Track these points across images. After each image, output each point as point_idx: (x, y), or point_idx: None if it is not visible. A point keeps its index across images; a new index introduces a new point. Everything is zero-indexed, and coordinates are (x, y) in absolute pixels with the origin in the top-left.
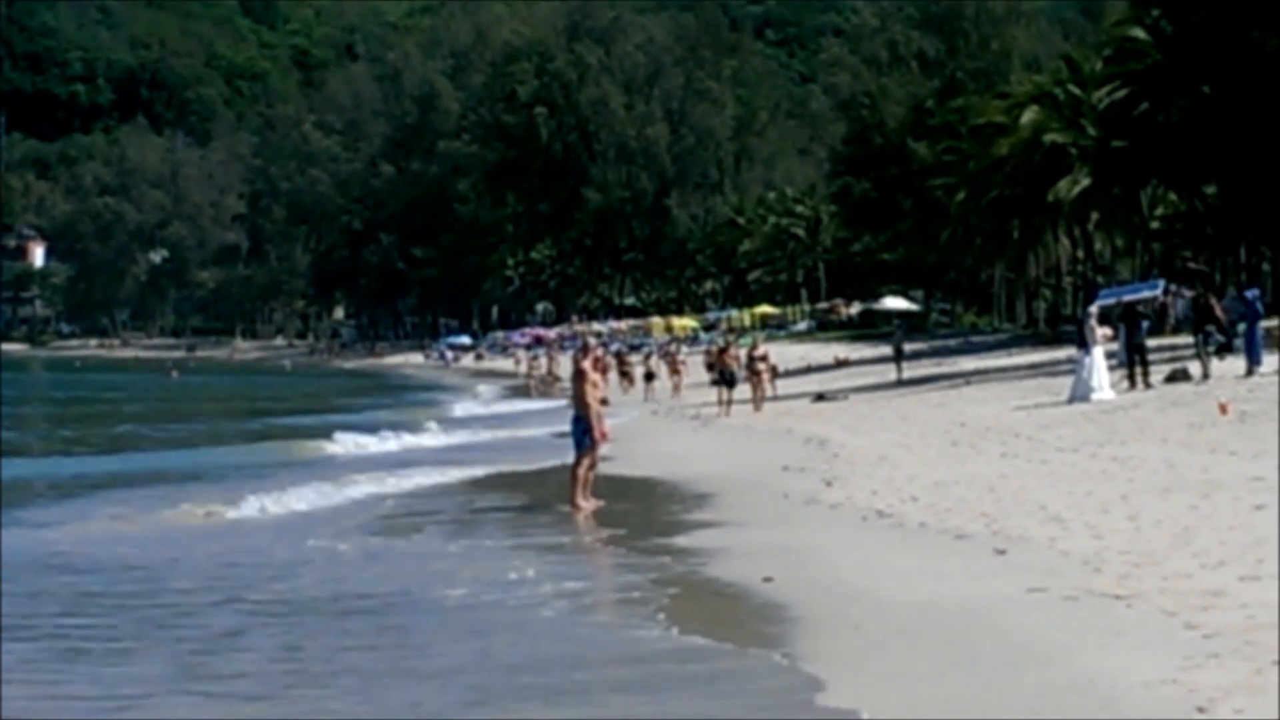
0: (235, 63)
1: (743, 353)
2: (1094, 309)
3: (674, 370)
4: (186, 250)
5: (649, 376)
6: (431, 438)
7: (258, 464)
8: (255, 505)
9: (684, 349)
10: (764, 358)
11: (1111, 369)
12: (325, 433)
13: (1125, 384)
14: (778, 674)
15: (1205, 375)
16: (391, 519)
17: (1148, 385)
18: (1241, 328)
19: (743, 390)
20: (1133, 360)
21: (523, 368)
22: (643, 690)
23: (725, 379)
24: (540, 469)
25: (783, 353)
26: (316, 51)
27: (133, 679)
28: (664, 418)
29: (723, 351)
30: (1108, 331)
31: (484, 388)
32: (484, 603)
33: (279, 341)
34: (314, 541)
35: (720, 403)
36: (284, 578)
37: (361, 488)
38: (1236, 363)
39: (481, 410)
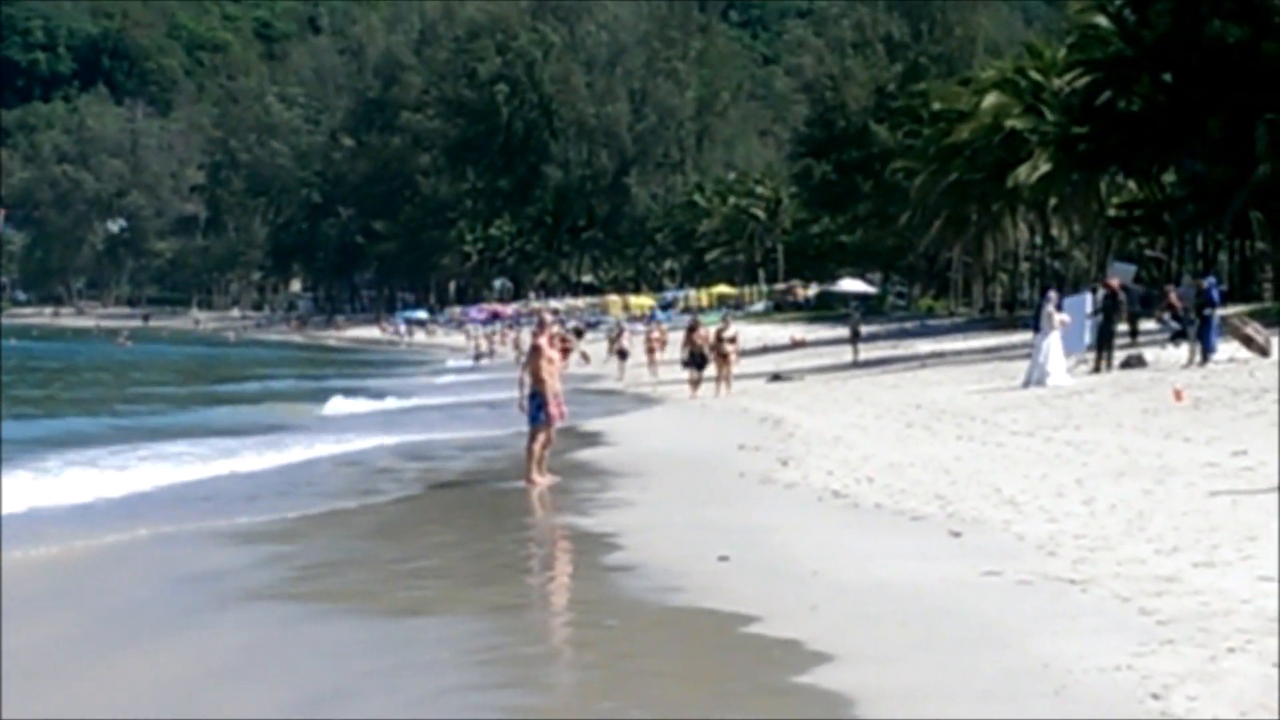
0: (197, 33)
1: (710, 332)
2: (1053, 293)
3: (650, 350)
4: (144, 220)
5: (622, 354)
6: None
7: None
8: None
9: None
10: (733, 339)
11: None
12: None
13: (1088, 367)
14: (743, 651)
15: (1204, 360)
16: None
17: (1109, 367)
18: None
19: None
20: (1102, 345)
21: (481, 343)
22: (607, 652)
23: (695, 359)
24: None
25: (740, 333)
26: (279, 24)
27: None
28: (627, 397)
29: (692, 331)
30: (1065, 318)
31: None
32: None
33: (234, 313)
34: None
35: (690, 383)
36: None
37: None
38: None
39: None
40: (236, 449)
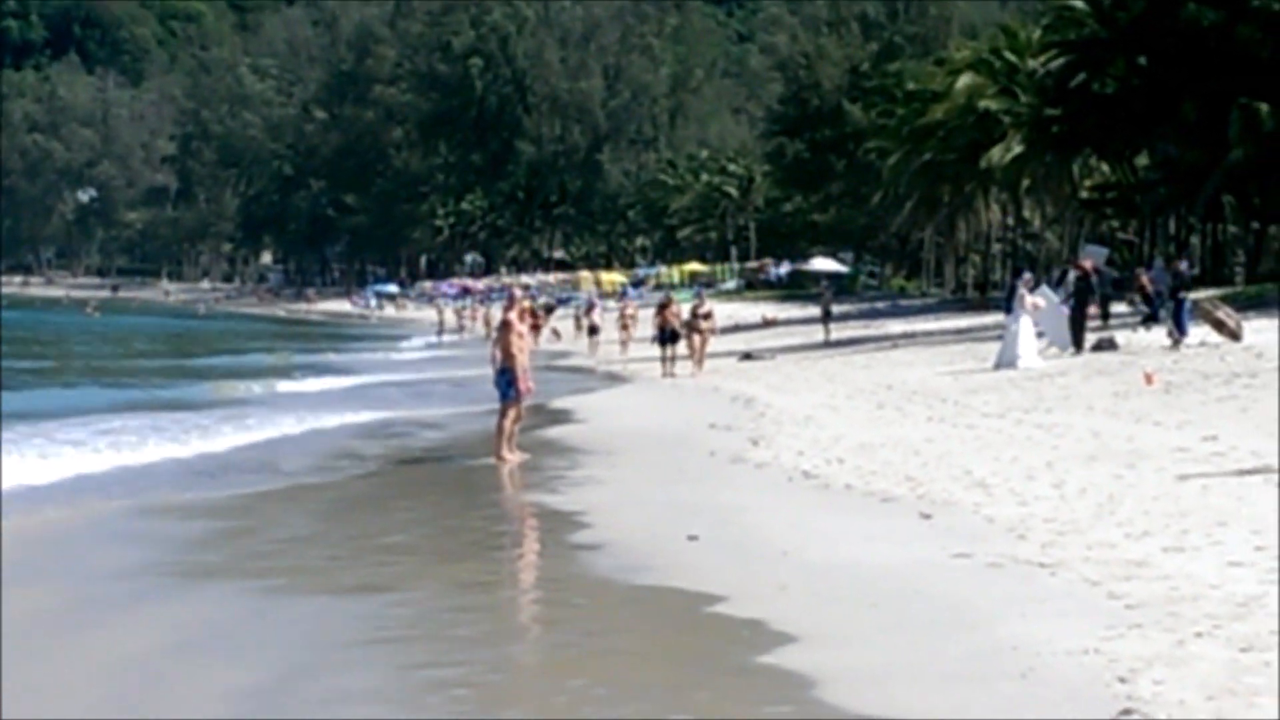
0: (170, 3)
1: (683, 309)
2: (1028, 275)
3: (624, 327)
4: (115, 190)
5: (593, 331)
6: None
7: None
8: None
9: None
10: (708, 315)
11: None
12: None
13: (1072, 349)
14: (710, 631)
15: (1177, 342)
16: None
17: (1081, 350)
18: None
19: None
20: (1075, 328)
21: (445, 318)
22: (572, 630)
23: (667, 336)
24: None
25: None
26: None
27: None
28: (598, 374)
29: (664, 308)
30: (1039, 301)
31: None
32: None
33: (205, 284)
34: None
35: (662, 360)
36: None
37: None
38: (1161, 333)
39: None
40: (201, 425)
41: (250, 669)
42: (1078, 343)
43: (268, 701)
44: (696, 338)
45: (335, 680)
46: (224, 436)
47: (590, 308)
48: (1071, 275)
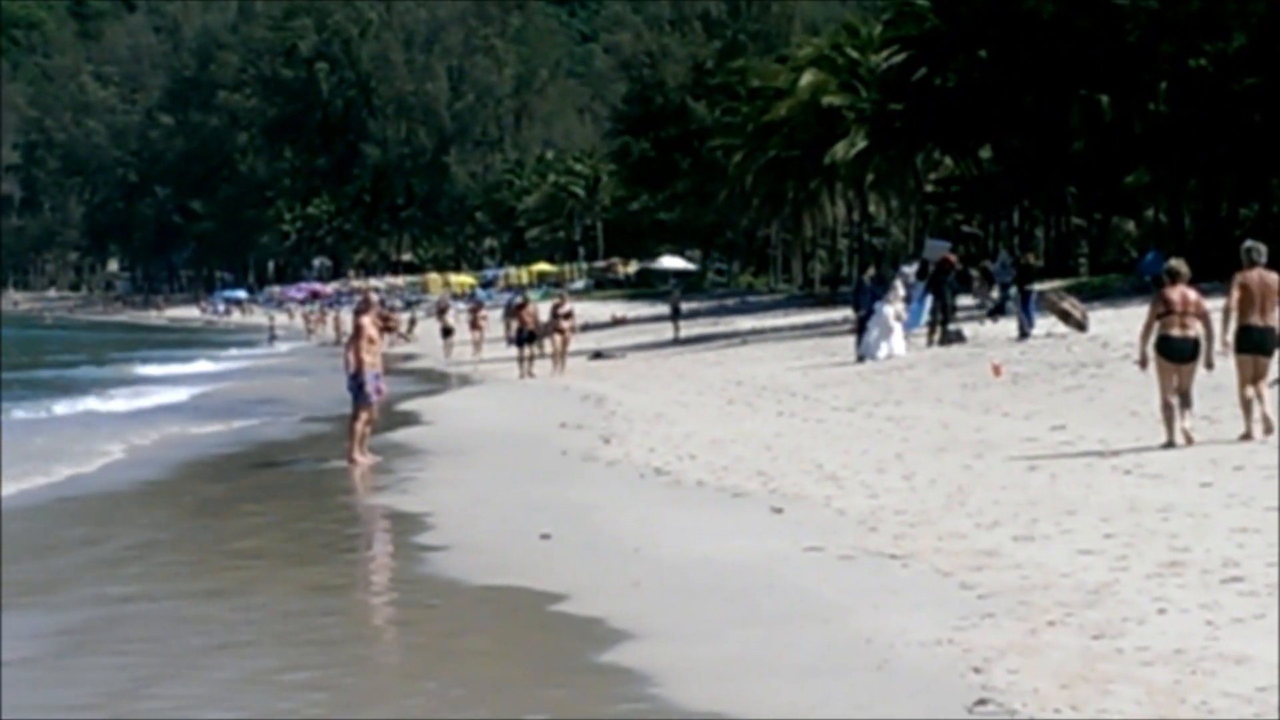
0: (11, 11)
1: (541, 307)
2: (906, 269)
3: (474, 327)
4: None
5: (447, 332)
6: None
7: None
8: None
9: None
10: (569, 315)
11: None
12: None
13: (924, 341)
14: (558, 630)
15: (1024, 334)
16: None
17: (944, 343)
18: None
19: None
20: (936, 320)
21: (297, 322)
22: (426, 631)
23: (524, 337)
24: None
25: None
26: (94, 1)
27: None
28: (449, 376)
29: (521, 308)
30: (902, 313)
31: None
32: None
33: (51, 293)
34: None
35: (520, 361)
36: None
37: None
38: (1008, 325)
39: None
40: (51, 428)
41: (100, 678)
42: (931, 335)
43: (118, 710)
44: (558, 337)
45: (186, 687)
46: (69, 446)
47: (443, 310)
48: (931, 267)
